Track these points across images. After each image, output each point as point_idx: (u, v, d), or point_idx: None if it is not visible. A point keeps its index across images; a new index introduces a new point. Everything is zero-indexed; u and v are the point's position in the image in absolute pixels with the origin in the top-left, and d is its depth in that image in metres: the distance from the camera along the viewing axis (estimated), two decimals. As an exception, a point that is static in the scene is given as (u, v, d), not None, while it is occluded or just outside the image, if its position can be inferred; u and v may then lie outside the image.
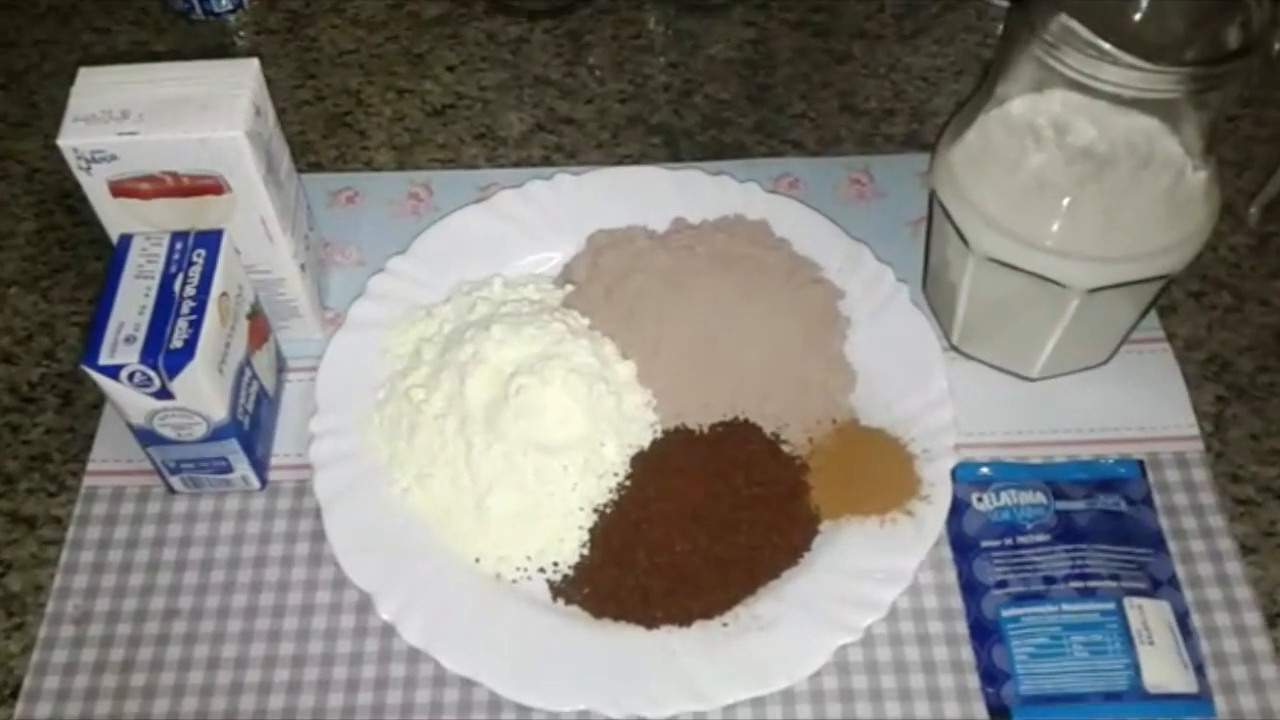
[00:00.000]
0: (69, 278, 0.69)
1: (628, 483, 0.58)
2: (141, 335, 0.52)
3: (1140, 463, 0.60)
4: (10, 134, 0.76)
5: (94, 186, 0.56)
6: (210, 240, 0.56)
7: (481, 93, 0.78)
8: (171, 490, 0.60)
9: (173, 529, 0.60)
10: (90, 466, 0.61)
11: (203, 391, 0.54)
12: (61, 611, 0.57)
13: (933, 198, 0.60)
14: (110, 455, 0.62)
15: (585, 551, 0.57)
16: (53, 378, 0.65)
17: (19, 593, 0.58)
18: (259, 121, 0.56)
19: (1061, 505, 0.58)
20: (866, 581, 0.55)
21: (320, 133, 0.76)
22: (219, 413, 0.55)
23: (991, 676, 0.54)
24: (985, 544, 0.57)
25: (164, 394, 0.53)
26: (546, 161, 0.73)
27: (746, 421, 0.60)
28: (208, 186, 0.56)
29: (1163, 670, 0.53)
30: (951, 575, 0.57)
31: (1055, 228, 0.55)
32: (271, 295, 0.62)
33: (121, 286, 0.54)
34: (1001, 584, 0.56)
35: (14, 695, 0.54)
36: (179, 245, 0.55)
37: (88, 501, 0.60)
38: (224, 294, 0.55)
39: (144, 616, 0.57)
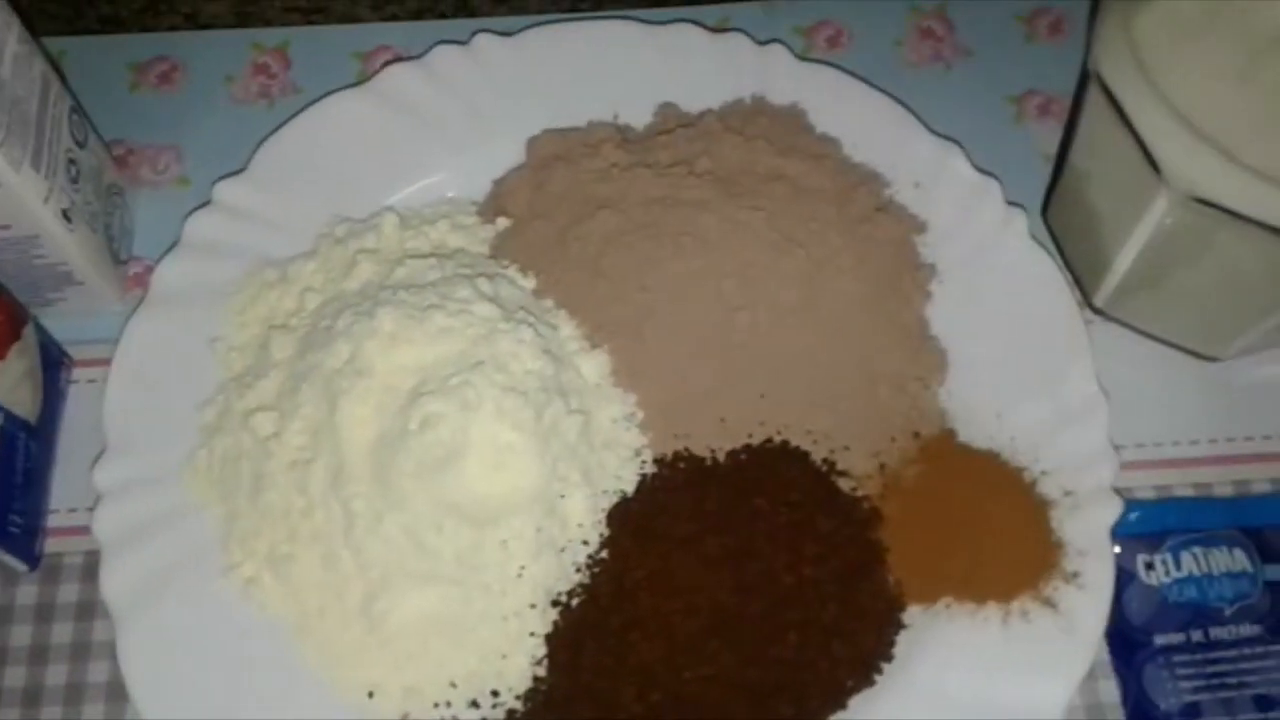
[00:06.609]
0: None
1: (603, 555, 0.37)
2: None
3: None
4: None
5: None
6: None
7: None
8: None
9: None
10: None
11: None
12: None
13: (1088, 80, 0.37)
14: None
15: (541, 672, 0.36)
16: None
17: None
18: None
19: (1275, 572, 0.37)
20: (987, 721, 0.35)
21: (115, -32, 0.51)
22: (-86, 496, 0.33)
23: None
24: (1160, 641, 0.37)
25: None
26: (461, 10, 0.49)
27: (785, 445, 0.39)
28: None
29: None
30: (1110, 691, 0.37)
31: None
32: (22, 260, 0.39)
33: None
34: (1191, 712, 0.36)
35: None
36: None
37: None
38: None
39: None
